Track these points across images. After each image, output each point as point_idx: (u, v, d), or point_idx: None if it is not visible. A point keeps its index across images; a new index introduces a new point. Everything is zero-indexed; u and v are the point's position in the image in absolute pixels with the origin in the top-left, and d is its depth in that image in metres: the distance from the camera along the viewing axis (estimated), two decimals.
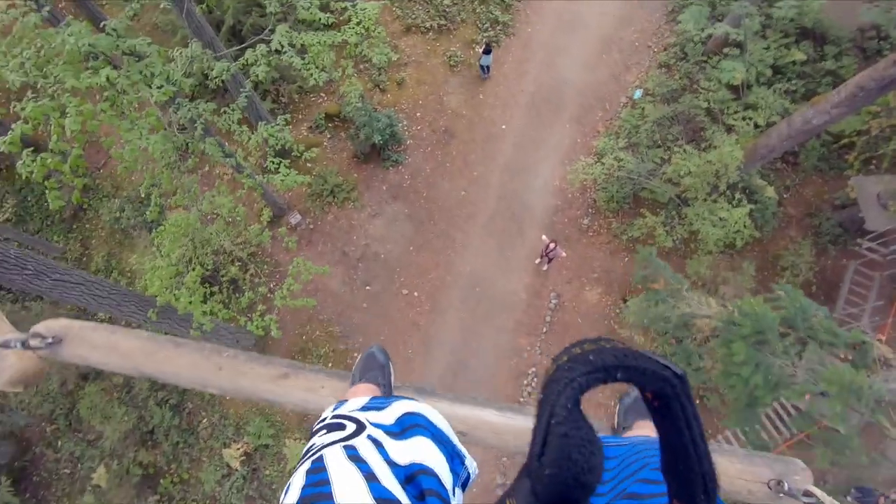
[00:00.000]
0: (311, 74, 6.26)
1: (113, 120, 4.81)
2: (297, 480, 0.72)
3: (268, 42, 6.06)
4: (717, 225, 8.67)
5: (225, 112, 6.19)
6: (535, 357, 10.35)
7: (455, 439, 0.93)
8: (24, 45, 4.57)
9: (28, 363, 1.57)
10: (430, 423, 0.91)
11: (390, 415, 0.90)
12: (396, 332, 10.47)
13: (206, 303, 7.17)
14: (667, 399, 0.43)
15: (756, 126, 9.72)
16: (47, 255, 10.54)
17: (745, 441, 7.04)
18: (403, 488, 0.72)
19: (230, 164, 6.38)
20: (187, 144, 5.96)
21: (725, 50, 10.48)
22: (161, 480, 9.69)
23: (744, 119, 9.78)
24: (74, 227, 11.25)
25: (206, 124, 6.11)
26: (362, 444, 0.78)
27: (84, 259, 11.02)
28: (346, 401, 1.02)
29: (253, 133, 6.46)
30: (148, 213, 6.15)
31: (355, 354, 10.31)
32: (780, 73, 10.46)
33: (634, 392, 1.61)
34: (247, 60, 5.96)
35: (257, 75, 5.82)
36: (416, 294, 10.75)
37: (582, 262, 10.85)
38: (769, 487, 1.38)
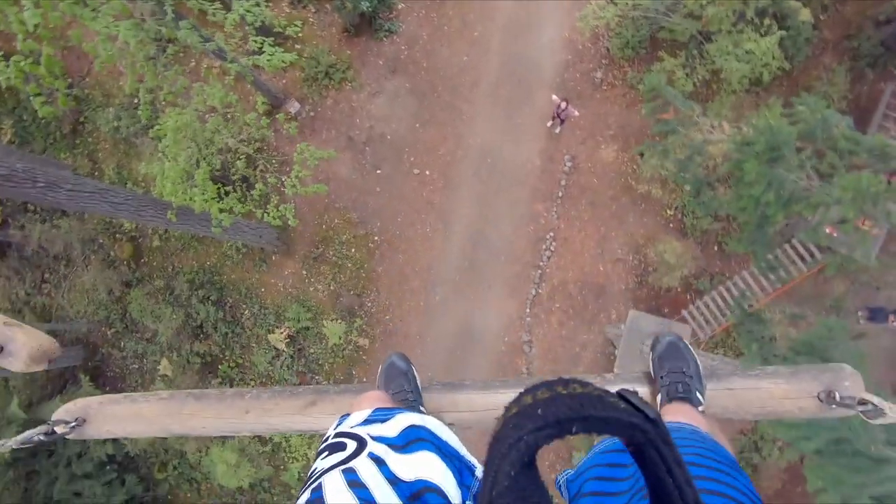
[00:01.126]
0: None
1: (74, 9, 4.44)
2: None
3: None
4: (742, 59, 7.96)
5: None
6: (553, 222, 10.41)
7: (463, 450, 0.89)
8: None
9: (40, 339, 1.58)
10: (436, 436, 0.87)
11: (394, 427, 0.87)
12: (413, 212, 10.56)
13: (222, 200, 7.26)
14: (640, 447, 0.39)
15: None
16: (59, 169, 10.60)
17: (757, 268, 7.10)
18: None
19: (211, 49, 5.98)
20: (161, 31, 5.55)
21: None
22: (219, 366, 10.73)
23: None
24: (77, 142, 11.14)
25: (175, 7, 5.62)
26: (362, 465, 0.75)
27: (95, 174, 11.07)
28: (349, 415, 0.99)
29: (229, 13, 5.95)
30: (140, 113, 5.96)
31: (376, 238, 10.57)
32: None
33: (666, 338, 1.53)
34: None
35: None
36: (427, 172, 10.61)
37: (596, 120, 10.36)
38: (820, 400, 1.33)
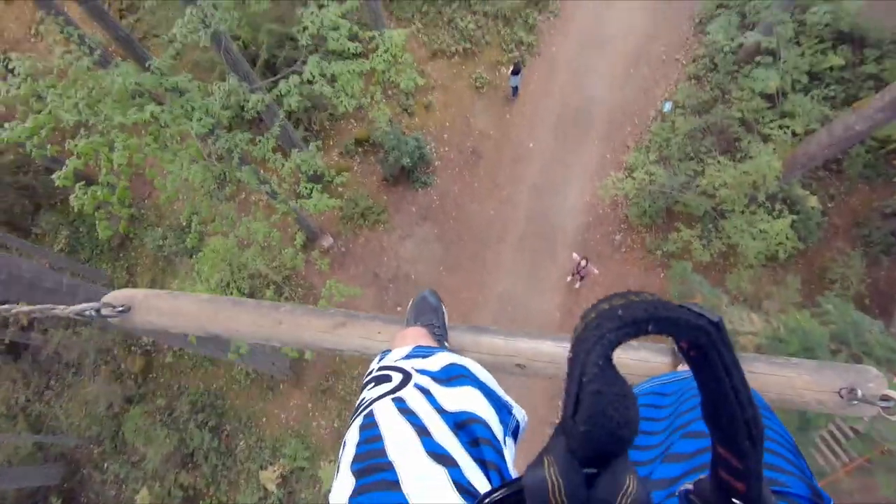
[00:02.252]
0: (341, 102, 6.46)
1: (157, 152, 5.08)
2: (352, 436, 0.72)
3: (300, 73, 6.31)
4: (758, 237, 8.35)
5: (260, 141, 6.44)
6: None
7: (501, 391, 0.92)
8: (78, 87, 4.90)
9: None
10: (475, 375, 0.90)
11: (436, 363, 0.90)
12: None
13: None
14: (703, 348, 0.42)
15: (794, 134, 9.41)
16: (96, 281, 11.07)
17: None
18: (455, 434, 0.71)
19: (265, 190, 6.61)
20: (225, 173, 6.21)
21: (757, 59, 10.26)
22: (200, 503, 9.84)
23: (780, 128, 9.48)
24: (121, 255, 11.81)
25: (243, 153, 6.37)
26: (410, 395, 0.77)
27: (129, 285, 11.51)
28: (390, 351, 1.03)
29: (286, 160, 6.70)
30: (188, 240, 6.40)
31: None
32: (817, 80, 10.14)
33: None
34: (280, 91, 6.21)
35: (290, 105, 6.05)
36: (446, 315, 10.71)
37: (616, 279, 10.63)
38: (840, 396, 1.34)
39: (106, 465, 10.37)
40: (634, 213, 10.62)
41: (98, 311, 1.61)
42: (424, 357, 0.93)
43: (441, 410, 0.75)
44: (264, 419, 10.39)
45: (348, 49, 6.37)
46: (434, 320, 1.52)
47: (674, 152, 10.46)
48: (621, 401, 0.40)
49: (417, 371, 0.86)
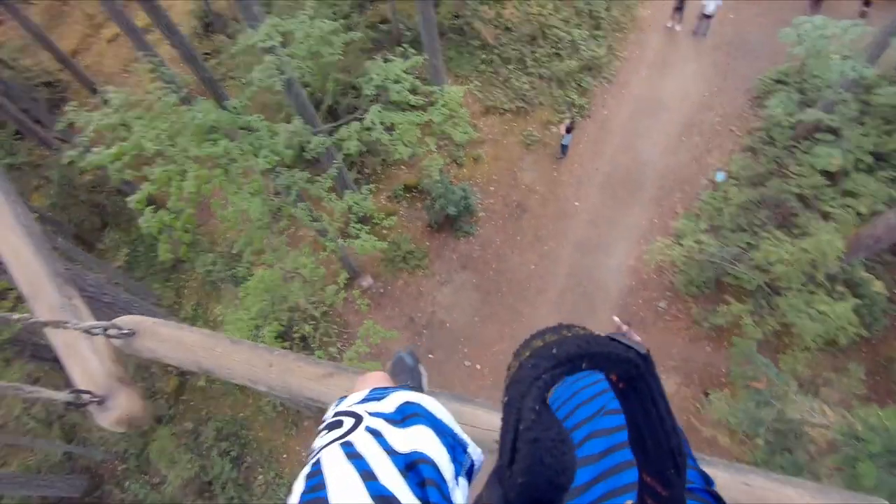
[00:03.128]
0: (397, 149, 6.73)
1: (224, 184, 5.39)
2: (298, 486, 0.71)
3: (361, 120, 6.66)
4: (816, 319, 7.88)
5: (317, 181, 6.74)
6: None
7: (457, 428, 0.90)
8: (162, 120, 5.34)
9: (135, 406, 1.70)
10: (430, 413, 0.88)
11: (390, 403, 0.89)
12: None
13: None
14: (633, 380, 0.43)
15: (858, 214, 9.02)
16: (146, 300, 11.56)
17: None
18: (404, 476, 0.71)
19: (317, 227, 6.84)
20: (280, 208, 6.49)
21: (817, 135, 10.06)
22: None
23: (843, 207, 9.13)
24: (172, 277, 12.34)
25: (300, 191, 6.67)
26: (359, 438, 0.76)
27: (176, 307, 11.95)
28: (346, 396, 1.01)
29: (340, 200, 6.95)
30: (239, 268, 6.64)
31: None
32: (882, 160, 9.79)
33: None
34: (341, 136, 6.54)
35: (349, 149, 6.34)
36: (478, 366, 10.51)
37: (658, 348, 10.18)
38: None
39: (127, 483, 10.41)
40: (681, 282, 10.29)
41: (106, 329, 1.69)
42: (379, 399, 0.92)
43: (391, 452, 0.74)
44: (285, 455, 10.27)
45: (408, 101, 6.70)
46: (409, 381, 1.50)
47: (726, 222, 10.20)
48: (558, 447, 0.39)
49: (371, 414, 0.85)
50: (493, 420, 1.50)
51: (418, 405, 0.91)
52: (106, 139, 5.59)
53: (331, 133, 7.20)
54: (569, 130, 11.63)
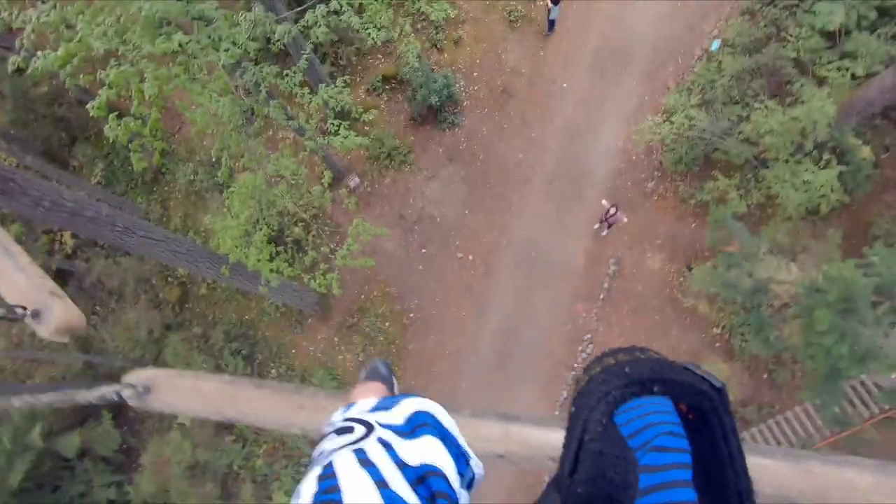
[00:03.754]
0: (369, 34, 6.23)
1: (186, 84, 5.05)
2: (308, 486, 0.71)
3: (327, 3, 6.06)
4: (800, 188, 7.97)
5: (287, 75, 6.31)
6: (591, 324, 10.19)
7: (461, 439, 0.91)
8: (106, 14, 4.83)
9: (71, 314, 1.71)
10: (438, 421, 0.89)
11: (399, 414, 0.89)
12: (450, 295, 10.62)
13: (272, 261, 7.57)
14: (704, 413, 0.42)
15: (853, 77, 8.69)
16: (133, 214, 11.46)
17: (822, 421, 6.64)
18: (414, 489, 0.72)
19: (293, 126, 6.56)
20: (253, 108, 6.16)
21: None
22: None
23: (839, 70, 8.76)
24: (155, 189, 12.10)
25: (270, 87, 6.28)
26: (371, 447, 0.77)
27: (164, 219, 11.88)
28: (354, 403, 1.02)
29: (314, 95, 6.58)
30: (219, 175, 6.48)
31: (411, 315, 10.62)
32: (887, 15, 9.19)
33: None
34: (307, 22, 6.00)
35: (317, 37, 5.86)
36: (470, 257, 10.78)
37: (645, 228, 10.41)
38: None
39: None
40: (670, 160, 10.21)
41: (119, 393, 1.61)
42: (388, 408, 0.92)
43: (402, 465, 0.75)
44: (293, 350, 10.91)
45: None
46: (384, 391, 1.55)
47: (718, 95, 9.85)
48: (622, 464, 0.39)
49: (381, 425, 0.85)
50: (544, 437, 1.44)
51: (427, 414, 0.90)
52: (50, 41, 5.12)
53: (296, 20, 6.60)
54: (556, 2, 10.71)
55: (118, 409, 11.19)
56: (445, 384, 10.22)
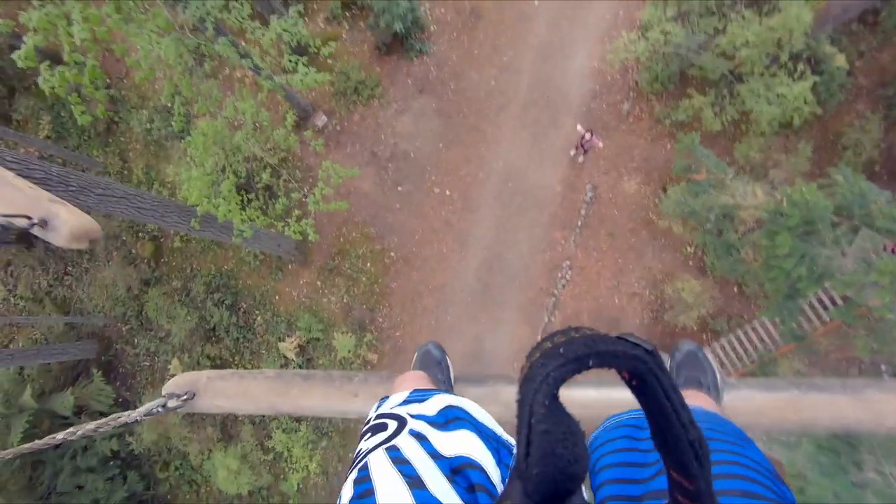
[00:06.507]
0: None
1: (120, 25, 4.59)
2: (346, 491, 0.72)
3: None
4: (774, 102, 7.89)
5: (234, 7, 5.80)
6: (570, 250, 10.35)
7: (500, 430, 0.92)
8: None
9: (81, 218, 1.62)
10: (472, 417, 0.89)
11: (432, 406, 0.89)
12: (430, 231, 10.60)
13: (244, 210, 7.36)
14: (642, 376, 0.44)
15: None
16: (90, 170, 10.89)
17: (780, 335, 7.03)
18: (451, 480, 0.72)
19: (247, 65, 6.12)
20: (201, 46, 5.69)
21: None
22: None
23: None
24: (110, 140, 11.43)
25: (217, 23, 5.77)
26: (405, 443, 0.77)
27: (125, 172, 11.34)
28: (388, 397, 1.02)
29: (266, 29, 6.09)
30: (174, 122, 6.10)
31: (392, 254, 10.62)
32: None
33: (685, 347, 1.56)
34: None
35: None
36: (447, 192, 10.65)
37: (620, 152, 10.32)
38: None
39: (136, 340, 11.20)
40: (645, 79, 9.94)
41: (164, 405, 1.52)
42: (421, 401, 0.91)
43: (436, 456, 0.74)
44: (277, 297, 10.93)
45: None
46: (438, 374, 1.49)
47: (694, 6, 9.41)
48: (570, 438, 0.41)
49: (413, 416, 0.85)
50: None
51: (460, 409, 0.89)
52: None
53: None
54: None
55: (108, 365, 11.28)
56: (431, 317, 10.46)
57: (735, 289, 9.84)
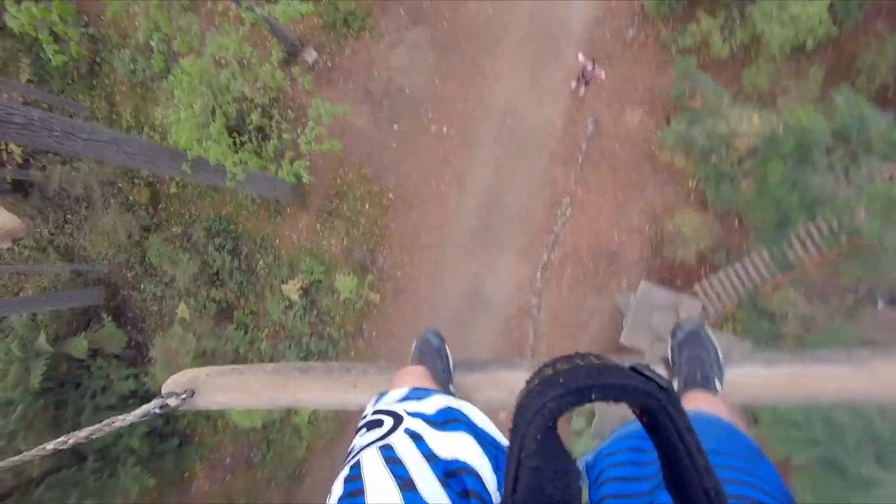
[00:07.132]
0: None
1: None
2: (336, 489, 0.70)
3: None
4: (786, 24, 7.44)
5: None
6: (570, 186, 10.21)
7: (499, 435, 0.89)
8: None
9: (8, 220, 1.60)
10: (471, 420, 0.87)
11: (431, 405, 0.87)
12: (428, 170, 10.43)
13: (237, 153, 7.22)
14: (654, 413, 0.40)
15: None
16: (78, 115, 10.61)
17: (772, 264, 7.01)
18: (444, 484, 0.70)
19: None
20: None
21: None
22: (235, 312, 11.06)
23: None
24: (94, 83, 11.05)
25: None
26: (399, 441, 0.75)
27: (114, 117, 11.05)
28: (386, 393, 1.00)
29: None
30: (154, 61, 5.85)
31: (390, 195, 10.52)
32: None
33: (687, 326, 1.51)
34: None
35: None
36: (445, 129, 10.38)
37: (623, 82, 9.91)
38: None
39: (142, 285, 11.39)
40: (652, 2, 9.35)
41: (163, 406, 1.51)
42: (419, 399, 0.88)
43: (431, 457, 0.72)
44: (277, 240, 10.98)
45: None
46: (438, 362, 1.45)
47: None
48: (562, 478, 0.38)
49: (410, 414, 0.82)
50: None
51: (459, 411, 0.86)
52: None
53: None
54: None
55: (117, 310, 11.56)
56: (431, 255, 10.52)
57: (735, 222, 9.77)
